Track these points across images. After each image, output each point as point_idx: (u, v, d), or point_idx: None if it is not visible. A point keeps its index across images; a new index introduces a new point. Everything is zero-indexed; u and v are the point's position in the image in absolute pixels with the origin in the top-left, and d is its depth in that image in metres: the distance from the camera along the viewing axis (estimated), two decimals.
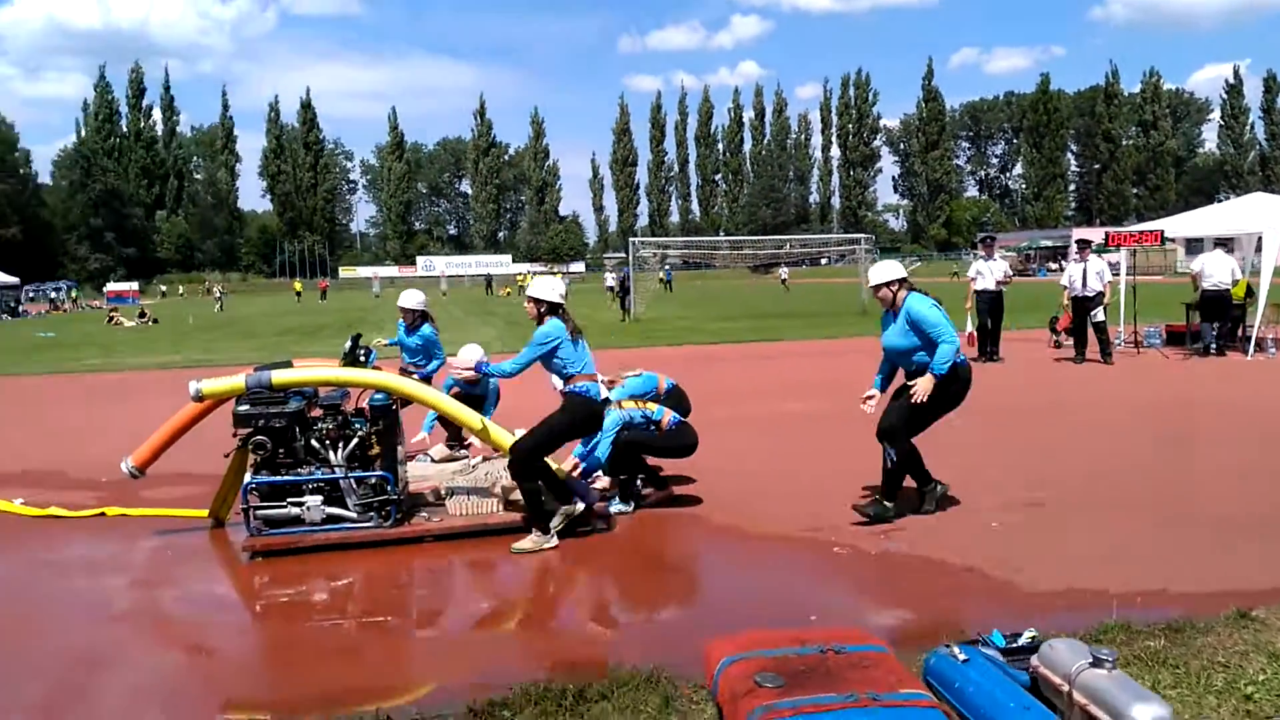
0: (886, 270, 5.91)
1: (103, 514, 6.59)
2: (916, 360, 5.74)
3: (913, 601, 4.64)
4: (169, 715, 3.64)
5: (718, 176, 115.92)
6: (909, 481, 5.95)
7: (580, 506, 5.78)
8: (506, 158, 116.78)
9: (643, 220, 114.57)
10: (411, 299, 8.13)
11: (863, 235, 36.47)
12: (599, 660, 3.90)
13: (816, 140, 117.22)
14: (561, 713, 3.43)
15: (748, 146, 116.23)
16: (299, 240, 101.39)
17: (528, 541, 5.54)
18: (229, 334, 26.85)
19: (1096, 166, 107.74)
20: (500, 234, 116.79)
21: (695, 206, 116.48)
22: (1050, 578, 4.78)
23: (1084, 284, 13.53)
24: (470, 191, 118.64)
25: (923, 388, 5.58)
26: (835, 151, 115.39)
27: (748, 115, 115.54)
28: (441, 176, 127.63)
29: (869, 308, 27.72)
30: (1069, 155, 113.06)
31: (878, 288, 5.88)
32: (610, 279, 42.42)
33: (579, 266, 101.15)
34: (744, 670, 2.47)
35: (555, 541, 5.58)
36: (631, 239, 33.79)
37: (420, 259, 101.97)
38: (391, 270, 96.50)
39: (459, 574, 5.46)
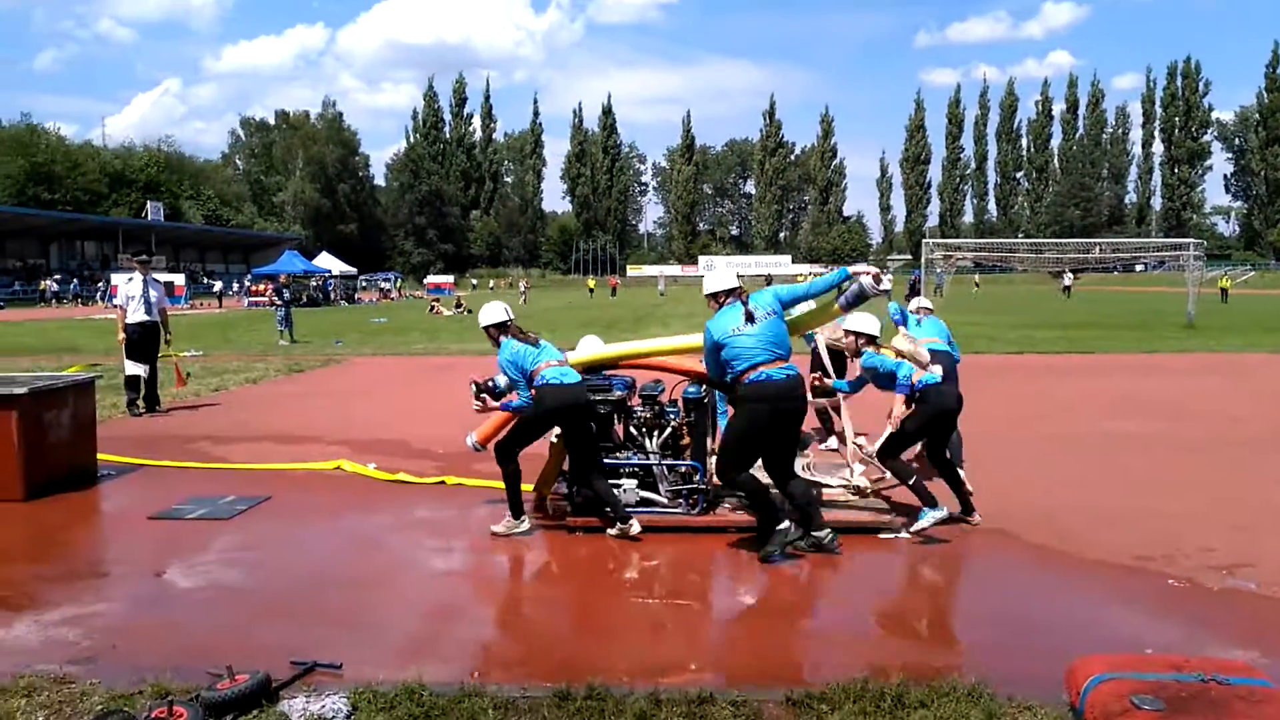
0: (863, 323, 6.21)
1: (443, 482, 7.37)
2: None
3: (1268, 643, 4.17)
4: (503, 668, 4.00)
5: (1019, 174, 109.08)
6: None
7: (786, 525, 5.42)
8: (792, 157, 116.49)
9: (932, 220, 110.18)
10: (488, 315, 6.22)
11: (1191, 240, 32.84)
12: (916, 666, 3.85)
13: (1135, 135, 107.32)
14: (880, 714, 3.42)
15: (1056, 142, 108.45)
16: (593, 239, 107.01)
17: (501, 525, 5.95)
18: (533, 325, 28.42)
19: None
20: (781, 234, 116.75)
21: (992, 206, 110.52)
22: None
23: None
24: (754, 192, 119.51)
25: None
26: (1157, 147, 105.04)
27: (1058, 108, 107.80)
28: (727, 177, 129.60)
29: (1198, 322, 25.03)
30: None
31: (849, 334, 6.22)
32: (887, 282, 41.00)
33: (861, 268, 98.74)
34: (1117, 690, 2.36)
35: (526, 525, 5.94)
36: (925, 240, 32.51)
37: (701, 258, 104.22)
38: (675, 269, 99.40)
39: (760, 567, 5.56)
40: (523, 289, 58.27)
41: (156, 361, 11.29)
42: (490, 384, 6.18)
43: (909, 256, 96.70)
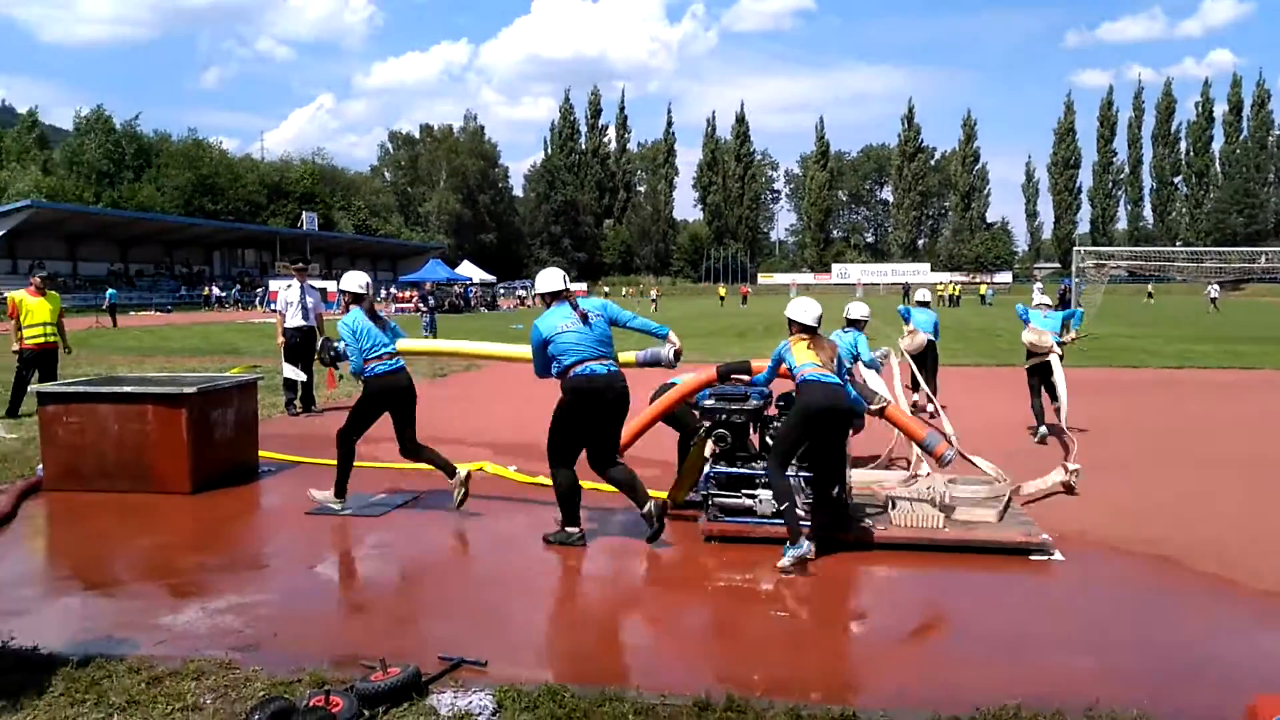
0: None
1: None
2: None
3: None
4: (641, 674, 4.01)
5: (1177, 179, 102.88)
6: None
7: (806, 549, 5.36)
8: (932, 163, 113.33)
9: (1082, 227, 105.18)
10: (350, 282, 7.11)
11: None
12: (1072, 695, 3.65)
13: None
14: None
15: (1217, 145, 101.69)
16: (724, 247, 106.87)
17: (320, 494, 6.86)
18: None
19: None
20: (920, 241, 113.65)
21: (1148, 212, 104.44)
22: None
23: None
24: (891, 198, 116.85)
25: None
26: None
27: (1220, 109, 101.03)
28: (863, 184, 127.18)
29: None
30: None
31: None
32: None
33: (1005, 277, 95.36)
34: None
35: (340, 505, 6.71)
36: (1076, 248, 31.02)
37: (835, 266, 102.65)
38: (808, 277, 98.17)
39: (900, 584, 5.41)
40: (653, 297, 58.66)
41: (312, 364, 11.89)
42: (335, 344, 7.00)
43: (1057, 265, 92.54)
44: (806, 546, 5.34)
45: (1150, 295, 54.80)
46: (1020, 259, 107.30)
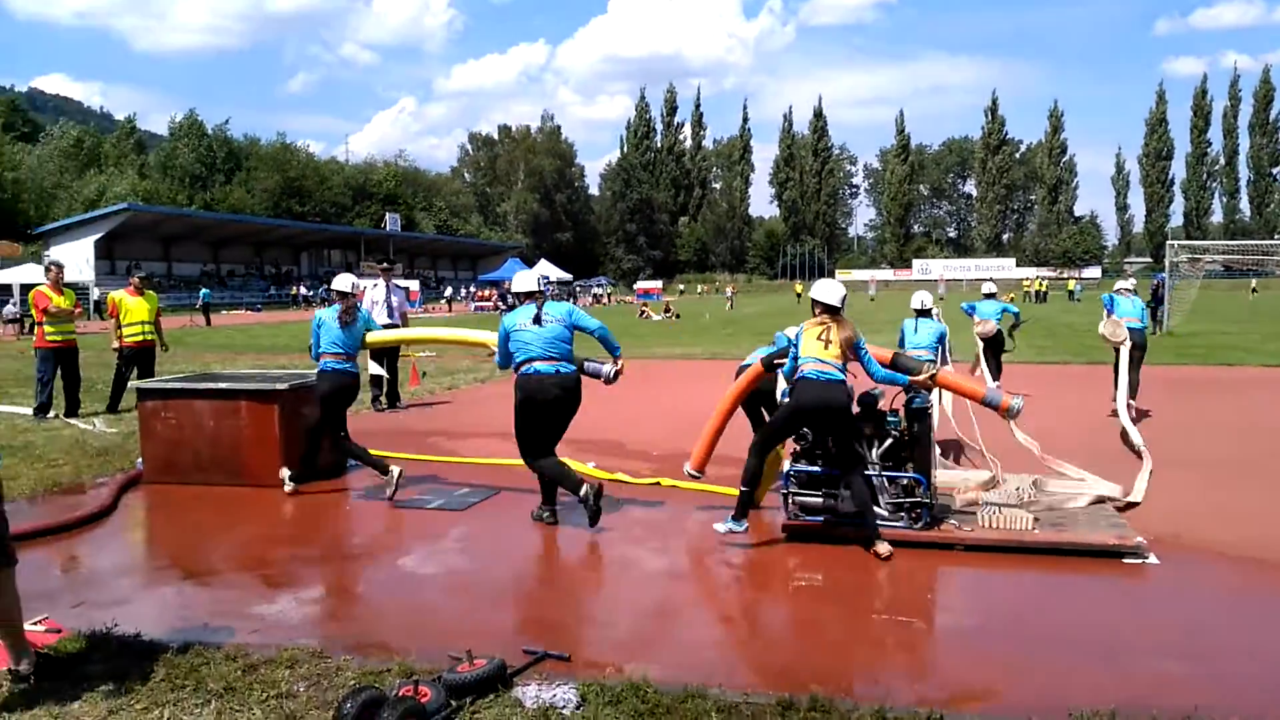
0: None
1: (658, 483, 7.50)
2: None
3: None
4: (723, 672, 4.00)
5: (1276, 170, 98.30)
6: None
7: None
8: (1018, 155, 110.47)
9: (1175, 220, 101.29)
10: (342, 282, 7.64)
11: None
12: (1167, 701, 3.52)
13: None
14: None
15: None
16: (800, 244, 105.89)
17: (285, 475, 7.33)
18: (740, 330, 28.86)
19: None
20: (1005, 236, 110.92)
21: (1244, 205, 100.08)
22: None
23: None
24: (975, 192, 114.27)
25: None
26: None
27: None
28: (945, 178, 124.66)
29: None
30: None
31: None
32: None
33: (1094, 272, 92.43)
34: None
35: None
36: (1169, 242, 29.85)
37: (916, 262, 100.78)
38: (887, 274, 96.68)
39: (987, 587, 5.29)
40: (729, 294, 58.45)
41: (398, 361, 12.16)
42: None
43: (1149, 259, 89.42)
44: (744, 526, 5.76)
45: (1255, 290, 52.51)
46: (1110, 253, 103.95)
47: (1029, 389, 12.94)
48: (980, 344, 11.24)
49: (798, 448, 6.02)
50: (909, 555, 5.58)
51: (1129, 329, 8.95)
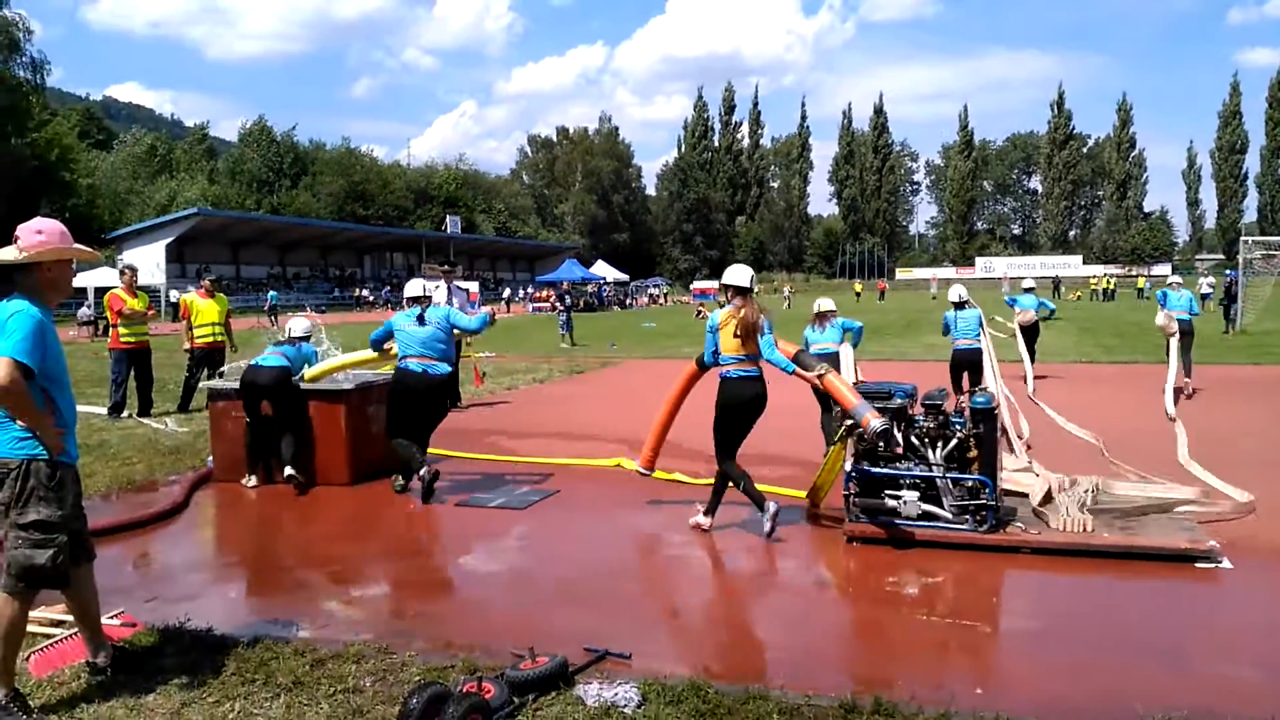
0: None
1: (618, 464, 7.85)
2: None
3: None
4: (785, 674, 3.96)
5: None
6: None
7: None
8: (1085, 150, 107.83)
9: (1249, 216, 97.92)
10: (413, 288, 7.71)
11: None
12: (1238, 707, 3.41)
13: None
14: None
15: None
16: (860, 242, 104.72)
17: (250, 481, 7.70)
18: (798, 330, 28.59)
19: None
20: (1071, 233, 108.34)
21: None
22: None
23: None
24: (1040, 188, 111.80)
25: None
26: None
27: None
28: (1010, 173, 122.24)
29: None
30: None
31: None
32: (1206, 285, 36.82)
33: (1164, 269, 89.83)
34: None
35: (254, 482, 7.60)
36: (1242, 238, 28.91)
37: (979, 260, 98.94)
38: (949, 272, 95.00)
39: (1054, 591, 5.17)
40: (786, 294, 58.00)
41: (459, 361, 12.31)
42: None
43: (1221, 256, 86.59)
44: (707, 521, 6.10)
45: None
46: (1181, 250, 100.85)
47: (1092, 388, 12.65)
48: (1019, 331, 12.39)
49: (859, 449, 5.94)
50: (974, 558, 5.49)
51: (1178, 320, 11.06)
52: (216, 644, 4.23)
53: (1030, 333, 13.17)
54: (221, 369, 9.71)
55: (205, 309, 11.71)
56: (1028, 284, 15.30)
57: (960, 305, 10.63)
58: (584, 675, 3.81)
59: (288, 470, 7.44)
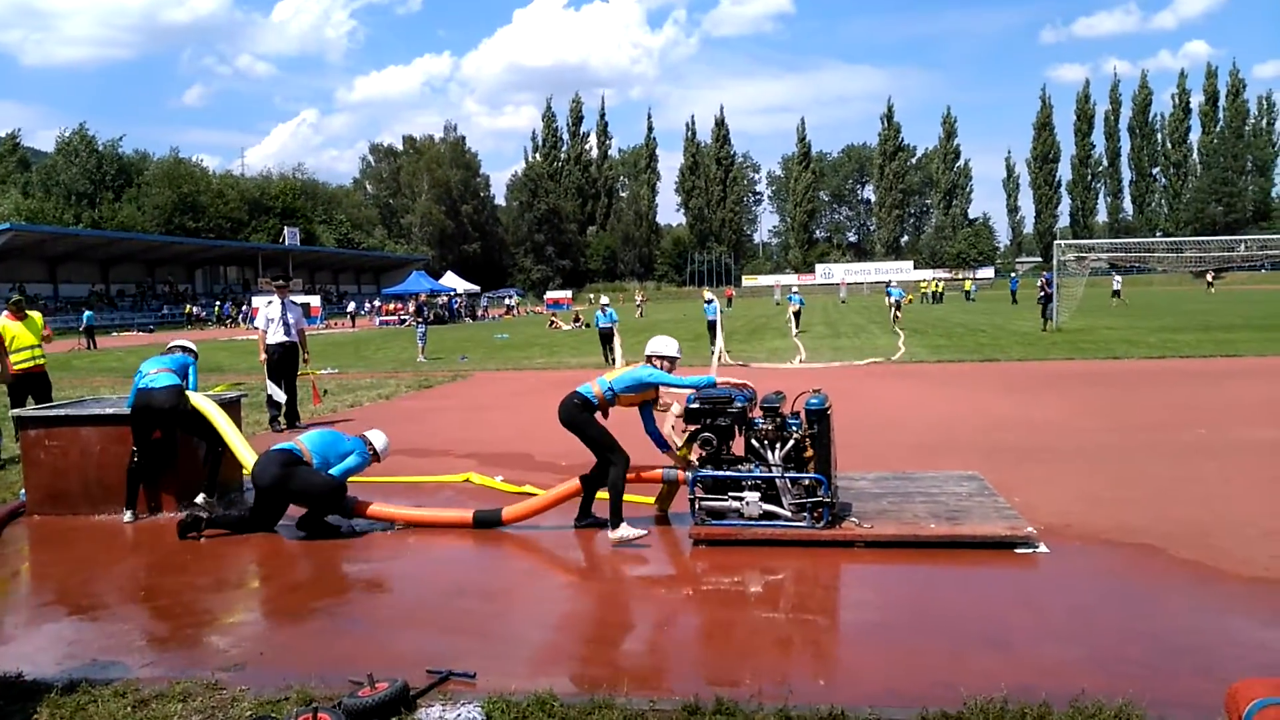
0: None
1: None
2: None
3: None
4: (631, 681, 4.00)
5: (1155, 170, 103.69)
6: None
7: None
8: (913, 161, 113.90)
9: (1063, 221, 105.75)
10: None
11: None
12: (1057, 686, 3.67)
13: None
14: None
15: (1195, 136, 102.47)
16: (707, 250, 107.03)
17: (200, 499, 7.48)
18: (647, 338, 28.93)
19: None
20: (903, 239, 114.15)
21: (1127, 204, 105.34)
22: None
23: None
24: (874, 197, 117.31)
25: None
26: None
27: (1196, 100, 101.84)
28: (845, 184, 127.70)
29: None
30: None
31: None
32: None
33: (988, 272, 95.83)
34: None
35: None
36: (1056, 241, 31.15)
37: (819, 266, 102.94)
38: (791, 278, 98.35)
39: (887, 582, 5.42)
40: (639, 302, 58.67)
41: (296, 380, 11.85)
42: None
43: (1039, 259, 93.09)
44: (633, 533, 6.05)
45: (1116, 294, 48.88)
46: (1002, 254, 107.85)
47: (922, 387, 13.38)
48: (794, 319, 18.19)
49: (703, 453, 6.07)
50: (813, 554, 5.69)
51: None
52: (28, 690, 3.93)
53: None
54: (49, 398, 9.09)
55: (19, 333, 10.79)
56: (794, 286, 19.61)
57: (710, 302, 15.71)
58: (426, 698, 3.73)
59: (201, 497, 7.35)
